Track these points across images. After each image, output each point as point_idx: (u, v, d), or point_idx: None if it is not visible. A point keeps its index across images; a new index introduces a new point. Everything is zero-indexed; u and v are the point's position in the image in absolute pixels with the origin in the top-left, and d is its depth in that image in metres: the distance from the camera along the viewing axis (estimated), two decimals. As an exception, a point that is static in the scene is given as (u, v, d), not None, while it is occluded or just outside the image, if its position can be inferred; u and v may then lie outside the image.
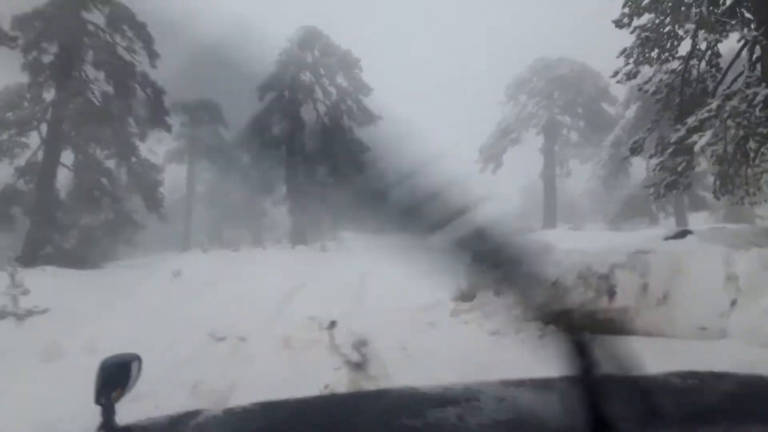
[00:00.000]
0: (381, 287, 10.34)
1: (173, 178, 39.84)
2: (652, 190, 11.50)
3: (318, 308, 7.81)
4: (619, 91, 31.49)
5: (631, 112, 24.17)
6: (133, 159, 19.48)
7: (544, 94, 30.69)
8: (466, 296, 8.26)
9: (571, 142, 29.66)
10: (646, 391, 1.08)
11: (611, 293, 6.36)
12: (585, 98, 30.16)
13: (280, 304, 10.26)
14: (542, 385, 1.35)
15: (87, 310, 9.55)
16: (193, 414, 1.28)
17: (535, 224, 43.86)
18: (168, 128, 20.87)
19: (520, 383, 1.39)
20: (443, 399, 1.28)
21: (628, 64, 10.98)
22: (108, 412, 1.20)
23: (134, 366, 1.31)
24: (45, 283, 11.02)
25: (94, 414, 1.20)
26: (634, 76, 11.19)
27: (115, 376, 1.25)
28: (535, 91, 30.96)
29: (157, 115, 20.35)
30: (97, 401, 1.21)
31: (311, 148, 29.85)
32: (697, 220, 25.22)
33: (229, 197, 37.28)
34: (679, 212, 24.01)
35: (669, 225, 25.58)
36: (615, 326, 5.80)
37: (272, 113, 27.47)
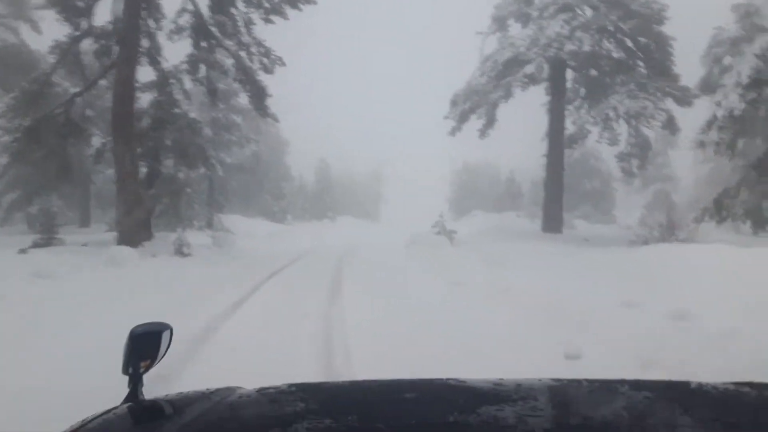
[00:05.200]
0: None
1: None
2: None
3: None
4: (678, 27, 20.12)
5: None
6: None
7: (573, 11, 18.66)
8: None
9: (619, 91, 17.86)
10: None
11: None
12: (637, 23, 18.48)
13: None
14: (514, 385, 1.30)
15: None
16: (226, 391, 1.21)
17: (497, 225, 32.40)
18: None
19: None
20: (497, 395, 1.17)
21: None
22: (135, 384, 1.14)
23: (165, 336, 1.21)
24: None
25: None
26: None
27: (145, 346, 1.17)
28: (556, 5, 18.77)
29: None
30: (125, 371, 1.15)
31: (164, 64, 16.00)
32: None
33: (44, 150, 22.12)
34: None
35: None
36: None
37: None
